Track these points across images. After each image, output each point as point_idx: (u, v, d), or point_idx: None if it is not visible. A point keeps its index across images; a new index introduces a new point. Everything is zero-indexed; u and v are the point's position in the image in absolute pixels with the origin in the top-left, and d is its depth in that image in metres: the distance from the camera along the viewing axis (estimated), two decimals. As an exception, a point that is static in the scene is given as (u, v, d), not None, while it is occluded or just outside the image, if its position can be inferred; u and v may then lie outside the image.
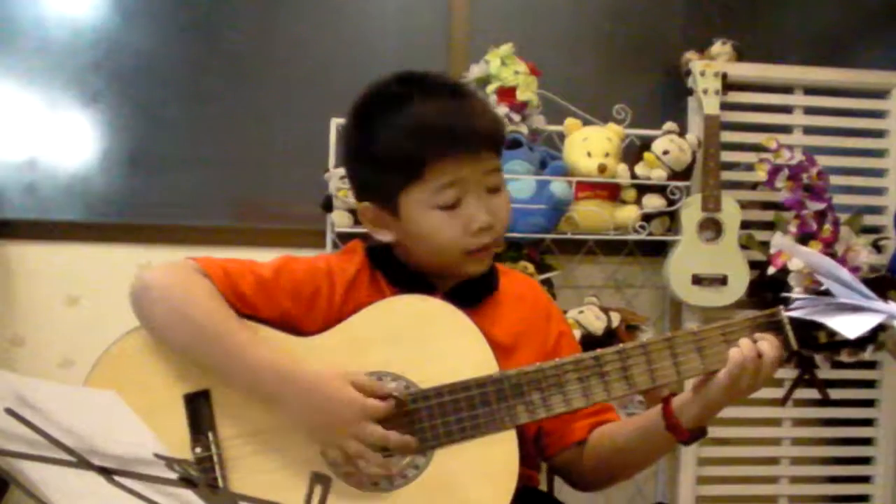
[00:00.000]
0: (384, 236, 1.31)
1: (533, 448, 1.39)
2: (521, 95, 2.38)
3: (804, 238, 2.47)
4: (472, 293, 1.34)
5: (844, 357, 1.23)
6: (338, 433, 1.17)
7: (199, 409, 1.22)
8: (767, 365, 1.18)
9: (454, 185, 1.25)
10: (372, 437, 1.17)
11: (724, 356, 1.19)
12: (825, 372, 1.30)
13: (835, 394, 2.40)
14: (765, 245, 2.54)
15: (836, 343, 1.20)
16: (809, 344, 1.21)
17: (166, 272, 1.26)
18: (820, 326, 1.19)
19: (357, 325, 1.25)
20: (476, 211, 1.26)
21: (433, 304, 1.25)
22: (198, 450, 1.20)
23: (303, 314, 1.27)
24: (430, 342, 1.23)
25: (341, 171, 2.36)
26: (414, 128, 1.24)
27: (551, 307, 1.46)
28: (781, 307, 1.21)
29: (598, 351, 1.23)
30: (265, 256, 1.34)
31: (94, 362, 1.24)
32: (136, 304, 1.24)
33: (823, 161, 2.55)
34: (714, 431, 1.30)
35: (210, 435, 1.21)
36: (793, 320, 1.20)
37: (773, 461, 2.69)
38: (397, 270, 1.33)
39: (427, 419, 1.20)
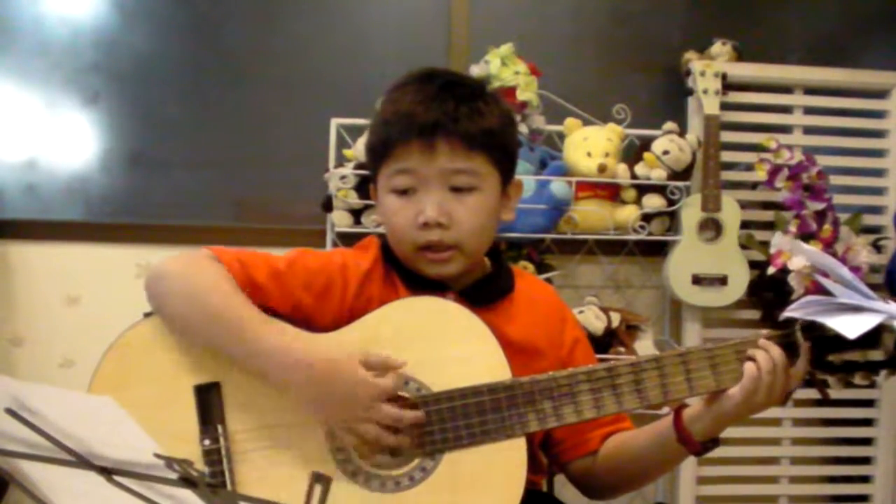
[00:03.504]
0: (377, 216, 1.36)
1: (539, 454, 1.39)
2: (521, 95, 2.38)
3: (804, 238, 2.46)
4: (484, 293, 1.34)
5: (858, 380, 1.22)
6: (352, 417, 1.16)
7: (209, 401, 1.21)
8: (780, 379, 1.18)
9: (407, 172, 1.28)
10: (387, 417, 1.16)
11: (737, 374, 1.19)
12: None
13: (835, 394, 2.38)
14: (765, 245, 2.54)
15: (850, 365, 1.19)
16: (823, 366, 1.20)
17: (181, 260, 1.25)
18: (834, 349, 1.18)
19: (372, 324, 1.24)
20: (425, 204, 1.27)
21: (449, 307, 1.25)
22: (207, 442, 1.20)
23: (315, 306, 1.26)
24: (444, 345, 1.23)
25: (341, 171, 2.36)
26: (389, 113, 1.30)
27: (567, 313, 1.46)
28: (797, 326, 1.20)
29: (612, 363, 1.23)
30: (266, 256, 1.33)
31: (101, 355, 1.23)
32: (150, 292, 1.24)
33: (823, 161, 2.55)
34: (714, 431, 1.29)
35: (219, 428, 1.20)
36: (808, 339, 1.19)
37: (773, 461, 2.69)
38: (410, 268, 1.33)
39: (437, 422, 1.20)
